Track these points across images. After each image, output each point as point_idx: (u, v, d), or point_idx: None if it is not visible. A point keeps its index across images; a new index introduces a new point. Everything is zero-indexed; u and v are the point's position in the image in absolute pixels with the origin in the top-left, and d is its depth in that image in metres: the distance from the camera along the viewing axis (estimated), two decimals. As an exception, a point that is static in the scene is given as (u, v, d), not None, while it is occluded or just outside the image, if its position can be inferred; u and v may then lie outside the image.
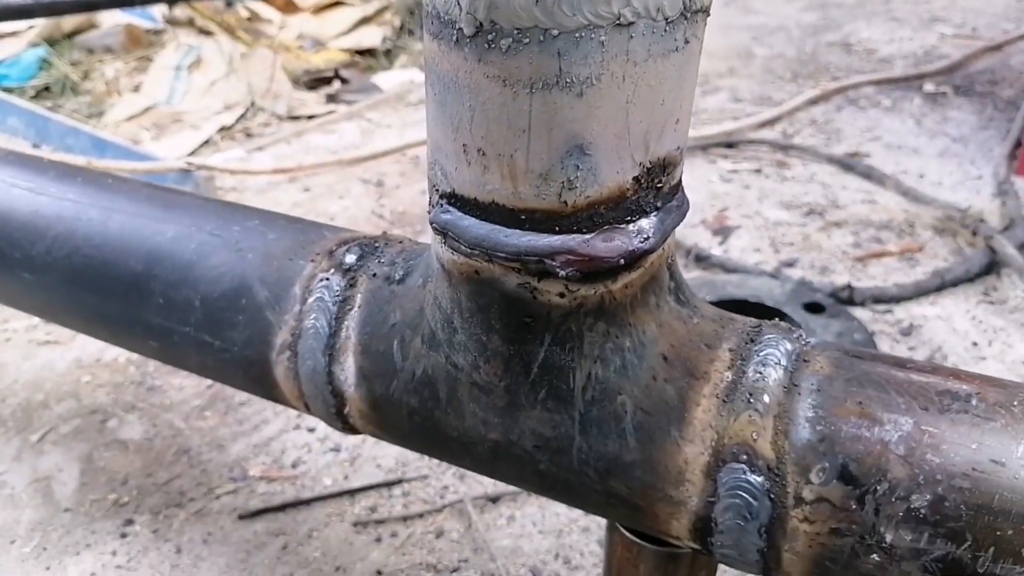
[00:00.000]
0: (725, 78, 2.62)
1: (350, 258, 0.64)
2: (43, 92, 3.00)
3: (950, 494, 0.45)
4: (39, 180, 0.79)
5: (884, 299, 1.40)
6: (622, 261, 0.47)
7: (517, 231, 0.47)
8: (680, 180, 0.51)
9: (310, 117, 2.64)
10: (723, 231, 1.70)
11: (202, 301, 0.68)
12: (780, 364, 0.51)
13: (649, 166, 0.46)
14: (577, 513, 1.04)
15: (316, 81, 3.05)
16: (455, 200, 0.49)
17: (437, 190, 0.50)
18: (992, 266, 1.48)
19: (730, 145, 2.11)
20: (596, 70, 0.41)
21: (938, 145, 2.08)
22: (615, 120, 0.43)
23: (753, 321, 0.55)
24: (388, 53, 3.25)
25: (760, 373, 0.51)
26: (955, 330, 1.35)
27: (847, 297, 1.39)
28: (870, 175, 1.88)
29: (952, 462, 0.46)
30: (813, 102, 2.38)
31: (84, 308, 0.75)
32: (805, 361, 0.52)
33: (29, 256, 0.76)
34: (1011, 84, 2.48)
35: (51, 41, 3.17)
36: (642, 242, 0.48)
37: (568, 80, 0.41)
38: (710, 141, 2.10)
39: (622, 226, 0.47)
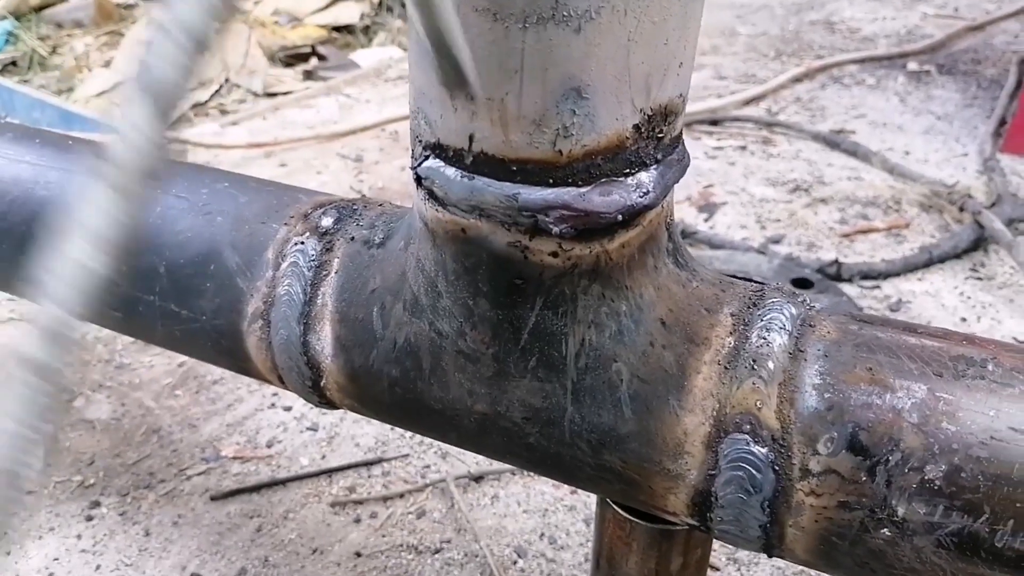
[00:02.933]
0: (708, 56, 2.58)
1: (327, 221, 0.60)
2: (9, 67, 2.91)
3: (967, 464, 0.42)
4: (-7, 141, 0.74)
5: (872, 275, 1.38)
6: (620, 217, 0.44)
7: (507, 184, 0.43)
8: (681, 131, 0.48)
9: (286, 94, 2.58)
10: (709, 207, 1.68)
11: (167, 268, 0.64)
12: (785, 329, 0.48)
13: (650, 113, 0.43)
14: (562, 492, 1.01)
15: (292, 58, 2.98)
16: (440, 151, 0.45)
17: (420, 141, 0.46)
18: (979, 242, 1.47)
19: (714, 122, 2.08)
20: (596, 2, 0.37)
21: (923, 123, 2.07)
22: (615, 60, 0.39)
23: (755, 285, 0.52)
24: (366, 30, 3.18)
25: (764, 339, 0.48)
26: (943, 306, 1.34)
27: (835, 273, 1.37)
28: (856, 152, 1.86)
29: (969, 430, 0.43)
30: (797, 80, 2.35)
31: (42, 277, 0.71)
32: (811, 326, 0.49)
33: (-17, 222, 0.71)
34: (994, 63, 2.47)
35: (17, 14, 3.07)
36: (641, 196, 0.44)
37: (565, 13, 0.37)
38: (694, 118, 2.07)
39: (620, 179, 0.44)
